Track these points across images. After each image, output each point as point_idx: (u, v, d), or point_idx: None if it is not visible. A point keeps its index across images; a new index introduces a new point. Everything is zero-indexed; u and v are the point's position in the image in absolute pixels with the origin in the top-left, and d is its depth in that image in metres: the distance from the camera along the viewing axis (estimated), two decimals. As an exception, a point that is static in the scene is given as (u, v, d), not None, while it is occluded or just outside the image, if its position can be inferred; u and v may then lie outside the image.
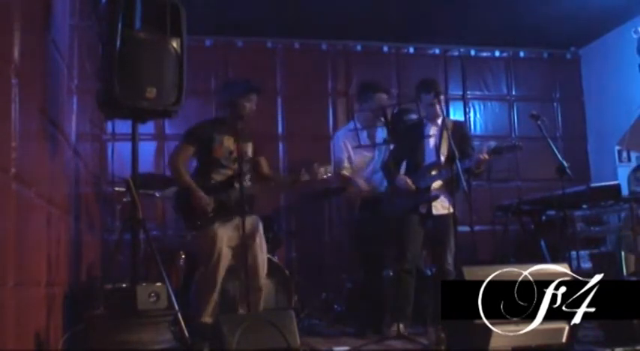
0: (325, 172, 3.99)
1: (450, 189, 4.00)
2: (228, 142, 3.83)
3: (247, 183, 3.83)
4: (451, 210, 4.02)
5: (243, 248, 3.62)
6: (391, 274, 4.81)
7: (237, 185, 3.70)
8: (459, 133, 4.16)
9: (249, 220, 3.77)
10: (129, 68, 2.75)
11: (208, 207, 3.71)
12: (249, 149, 3.95)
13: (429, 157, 4.13)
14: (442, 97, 4.20)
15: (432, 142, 4.15)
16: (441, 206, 4.05)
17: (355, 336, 4.25)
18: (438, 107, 4.10)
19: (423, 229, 4.08)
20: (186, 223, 3.90)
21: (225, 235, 3.73)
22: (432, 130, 4.18)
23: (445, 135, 4.07)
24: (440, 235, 4.03)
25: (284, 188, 4.00)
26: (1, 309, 1.97)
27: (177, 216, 3.97)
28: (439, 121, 4.18)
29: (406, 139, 4.23)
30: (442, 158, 4.08)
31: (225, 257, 3.74)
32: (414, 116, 4.39)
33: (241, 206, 3.42)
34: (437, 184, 4.06)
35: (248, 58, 6.24)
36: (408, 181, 4.03)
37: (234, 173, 3.75)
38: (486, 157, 3.91)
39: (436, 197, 4.04)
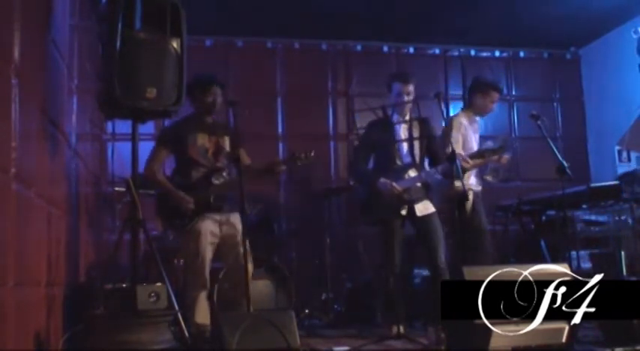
0: (306, 159, 3.76)
1: (427, 190, 4.04)
2: (203, 140, 3.80)
3: (226, 177, 3.80)
4: (433, 209, 4.04)
5: (241, 245, 3.59)
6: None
7: (215, 181, 3.73)
8: (427, 131, 4.16)
9: (233, 217, 3.74)
10: (129, 68, 2.75)
11: (190, 205, 3.66)
12: (226, 143, 3.87)
13: (404, 157, 4.11)
14: (413, 95, 4.15)
15: (404, 144, 4.13)
16: (423, 207, 4.04)
17: (355, 336, 4.25)
18: (406, 97, 4.06)
19: (403, 231, 4.05)
20: (167, 225, 3.89)
21: (208, 232, 3.68)
22: (403, 130, 4.16)
23: (415, 134, 4.09)
24: (428, 236, 4.01)
25: (261, 176, 3.87)
26: (1, 309, 1.97)
27: (158, 218, 3.90)
28: (407, 117, 4.16)
29: (377, 137, 4.19)
30: (417, 159, 4.09)
31: (209, 254, 3.69)
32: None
33: (241, 205, 3.40)
34: (416, 185, 4.04)
35: (248, 58, 6.25)
36: (393, 184, 3.95)
37: (210, 169, 3.75)
38: (469, 163, 3.91)
39: (417, 200, 4.02)
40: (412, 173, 4.06)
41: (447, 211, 4.19)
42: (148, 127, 5.51)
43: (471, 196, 4.41)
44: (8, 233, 2.04)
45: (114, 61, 2.72)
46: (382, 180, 4.00)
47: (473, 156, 4.02)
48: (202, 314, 3.59)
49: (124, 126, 3.40)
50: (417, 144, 4.12)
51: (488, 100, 4.64)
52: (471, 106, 4.72)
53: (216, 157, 3.84)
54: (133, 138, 3.01)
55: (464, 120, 4.62)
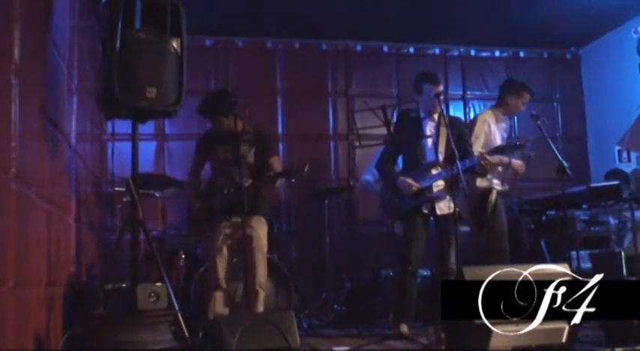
0: (298, 173, 3.85)
1: (452, 188, 4.01)
2: (225, 152, 3.97)
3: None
4: (454, 209, 4.02)
5: (242, 248, 3.66)
6: (391, 274, 4.80)
7: (225, 191, 3.90)
8: (456, 129, 4.12)
9: (254, 220, 3.86)
10: (129, 68, 2.74)
11: (200, 214, 3.94)
12: (250, 154, 3.95)
13: (428, 156, 4.11)
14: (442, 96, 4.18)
15: (429, 141, 4.13)
16: (445, 206, 4.03)
17: (355, 336, 4.25)
18: (437, 100, 4.04)
19: (426, 229, 4.06)
20: (193, 230, 4.25)
21: (223, 234, 3.85)
22: (429, 127, 4.15)
23: (442, 133, 4.05)
24: (444, 235, 4.01)
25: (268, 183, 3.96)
26: (1, 309, 1.97)
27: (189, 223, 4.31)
28: (435, 116, 4.15)
29: (404, 136, 4.21)
30: (440, 157, 4.07)
31: (223, 255, 3.82)
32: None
33: (241, 207, 3.44)
34: (439, 183, 4.04)
35: (248, 58, 6.25)
36: (410, 182, 3.97)
37: (224, 178, 3.92)
38: (488, 159, 3.89)
39: (438, 197, 4.02)
40: (434, 171, 4.04)
41: (468, 210, 4.23)
42: (148, 127, 5.53)
43: (493, 196, 4.42)
44: (8, 233, 2.04)
45: (114, 61, 2.71)
46: (401, 178, 4.02)
47: (493, 152, 4.01)
48: (215, 312, 3.73)
49: (124, 126, 3.39)
50: (442, 141, 4.10)
51: (521, 102, 4.72)
52: (501, 106, 4.76)
53: (239, 165, 3.91)
54: (133, 138, 3.00)
55: (490, 118, 4.63)
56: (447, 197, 4.02)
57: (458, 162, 3.64)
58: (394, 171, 4.19)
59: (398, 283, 4.10)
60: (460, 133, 4.12)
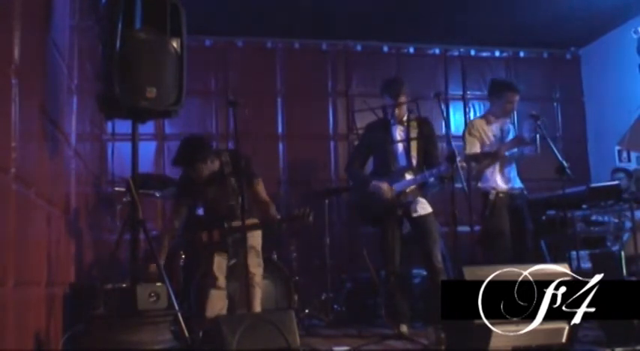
0: (304, 217, 3.79)
1: (423, 190, 4.04)
2: (214, 192, 3.92)
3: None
4: (430, 210, 4.05)
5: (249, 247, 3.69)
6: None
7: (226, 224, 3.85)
8: (425, 132, 4.16)
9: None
10: (129, 68, 2.74)
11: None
12: (234, 182, 3.92)
13: (400, 160, 4.13)
14: (407, 99, 4.19)
15: (400, 146, 4.14)
16: (418, 208, 4.06)
17: (355, 336, 4.26)
18: (398, 110, 4.10)
19: (400, 231, 4.09)
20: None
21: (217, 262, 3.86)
22: (399, 131, 4.17)
23: (413, 136, 4.11)
24: (423, 236, 4.03)
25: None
26: (1, 309, 1.97)
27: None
28: (404, 119, 4.18)
29: (374, 140, 4.22)
30: (414, 161, 4.09)
31: (221, 256, 3.86)
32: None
33: (242, 210, 3.45)
34: (411, 188, 4.06)
35: (248, 58, 6.25)
36: (385, 187, 3.99)
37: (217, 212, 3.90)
38: (464, 165, 3.90)
39: (411, 203, 4.03)
40: (408, 176, 4.06)
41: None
42: (148, 127, 5.53)
43: (492, 197, 4.42)
44: (8, 233, 2.04)
45: (114, 61, 2.71)
46: (374, 183, 4.03)
47: (468, 159, 4.03)
48: (211, 310, 3.71)
49: (124, 126, 3.40)
50: (413, 146, 4.12)
51: (504, 101, 4.55)
52: (490, 109, 4.72)
53: (230, 201, 3.90)
54: (133, 138, 3.00)
55: (480, 123, 4.61)
56: (421, 200, 4.05)
57: (457, 164, 3.66)
58: (365, 174, 4.21)
59: (387, 286, 4.12)
60: (428, 134, 4.15)
